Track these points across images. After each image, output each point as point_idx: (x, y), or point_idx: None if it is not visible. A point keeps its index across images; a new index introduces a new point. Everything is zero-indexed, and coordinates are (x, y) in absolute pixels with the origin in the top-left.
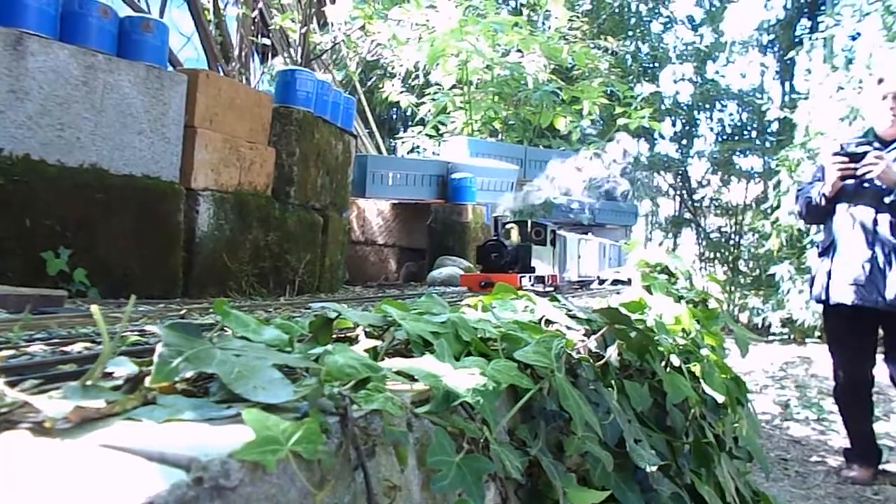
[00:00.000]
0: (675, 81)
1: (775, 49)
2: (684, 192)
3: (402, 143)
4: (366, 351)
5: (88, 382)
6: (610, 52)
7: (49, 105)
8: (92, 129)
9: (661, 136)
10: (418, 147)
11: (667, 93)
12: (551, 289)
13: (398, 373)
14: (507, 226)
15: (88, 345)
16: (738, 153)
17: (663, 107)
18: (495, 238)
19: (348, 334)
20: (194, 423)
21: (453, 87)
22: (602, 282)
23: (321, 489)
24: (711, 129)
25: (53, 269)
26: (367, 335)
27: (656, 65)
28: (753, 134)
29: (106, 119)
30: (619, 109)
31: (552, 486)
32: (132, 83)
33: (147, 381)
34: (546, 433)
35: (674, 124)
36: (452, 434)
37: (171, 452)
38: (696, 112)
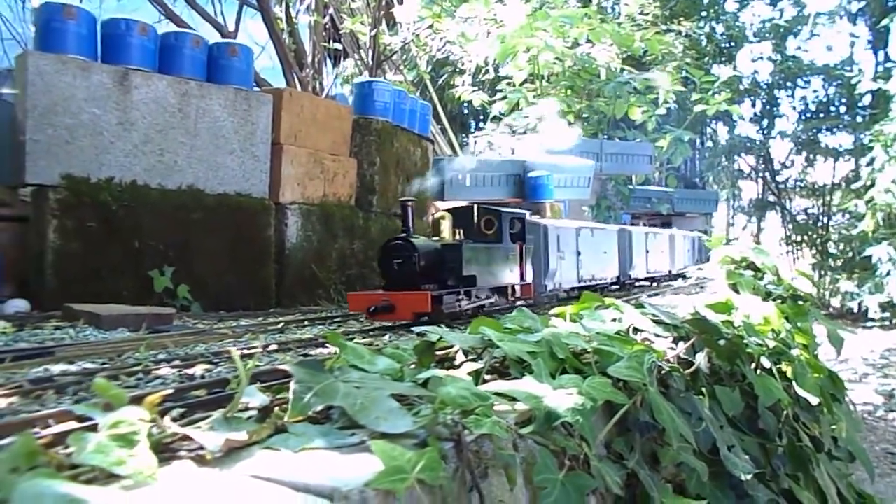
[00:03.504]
0: (753, 61)
1: (866, 17)
2: (767, 174)
3: (476, 140)
4: (468, 374)
5: (229, 415)
6: (684, 34)
7: (151, 133)
8: (188, 153)
9: (741, 118)
10: (492, 144)
11: (744, 73)
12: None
13: (500, 394)
14: (436, 215)
15: (207, 366)
16: (824, 131)
17: (742, 87)
18: (402, 236)
19: (448, 353)
20: (326, 451)
21: (524, 82)
22: (624, 284)
23: None
24: (794, 108)
25: (160, 287)
26: (465, 353)
27: (732, 45)
28: (842, 109)
29: (200, 142)
30: (695, 96)
31: (650, 498)
32: (222, 106)
33: (277, 411)
34: (641, 444)
35: (753, 105)
36: (554, 451)
37: (314, 483)
38: (776, 91)
